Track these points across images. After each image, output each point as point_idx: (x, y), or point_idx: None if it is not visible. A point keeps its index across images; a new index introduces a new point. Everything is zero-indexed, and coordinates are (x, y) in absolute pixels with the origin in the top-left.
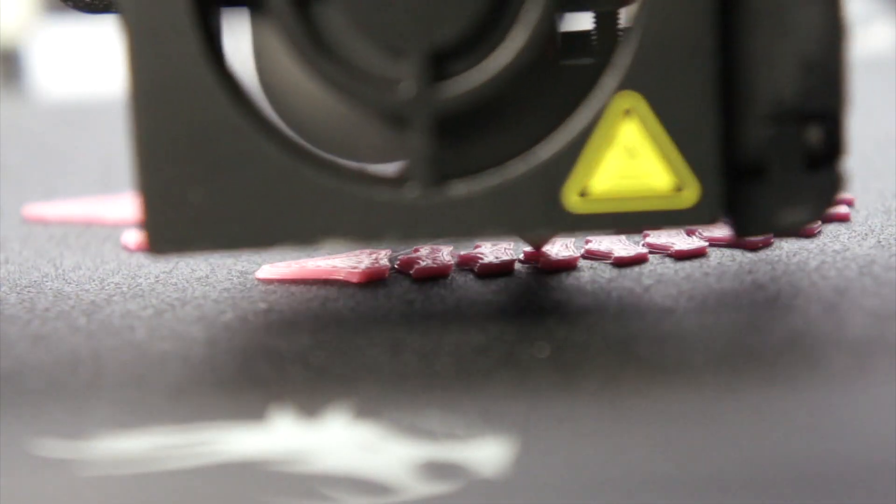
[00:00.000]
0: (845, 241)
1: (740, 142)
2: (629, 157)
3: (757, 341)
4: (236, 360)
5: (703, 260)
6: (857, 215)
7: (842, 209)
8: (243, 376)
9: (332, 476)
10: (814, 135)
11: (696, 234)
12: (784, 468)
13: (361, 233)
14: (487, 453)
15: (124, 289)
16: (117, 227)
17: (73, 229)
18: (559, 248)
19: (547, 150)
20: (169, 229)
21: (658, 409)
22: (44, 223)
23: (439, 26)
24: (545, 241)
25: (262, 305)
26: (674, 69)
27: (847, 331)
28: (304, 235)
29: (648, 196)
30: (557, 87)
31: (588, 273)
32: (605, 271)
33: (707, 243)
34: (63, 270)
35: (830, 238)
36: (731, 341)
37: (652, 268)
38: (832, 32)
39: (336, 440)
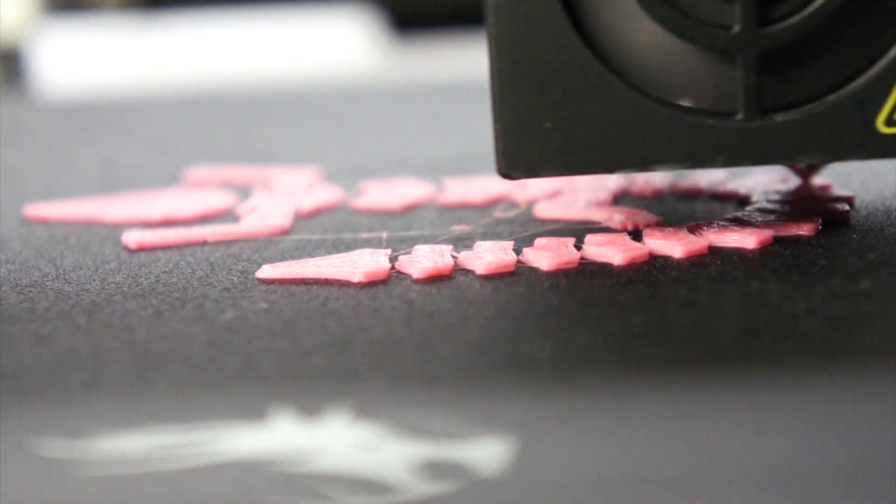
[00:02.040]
0: (846, 240)
1: None
2: None
3: (757, 341)
4: (236, 360)
5: (703, 260)
6: (857, 215)
7: (842, 209)
8: (243, 376)
9: (332, 476)
10: None
11: (698, 233)
12: (784, 468)
13: (693, 158)
14: (487, 453)
15: (124, 289)
16: (117, 227)
17: (73, 229)
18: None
19: (861, 83)
20: (523, 155)
21: (658, 409)
22: (44, 223)
23: None
24: (815, 171)
25: (262, 305)
26: None
27: (847, 331)
28: (642, 161)
29: None
30: (867, 26)
31: (588, 273)
32: (606, 271)
33: (707, 243)
34: (63, 270)
35: (830, 238)
36: (731, 341)
37: (652, 268)
38: None
39: (336, 440)
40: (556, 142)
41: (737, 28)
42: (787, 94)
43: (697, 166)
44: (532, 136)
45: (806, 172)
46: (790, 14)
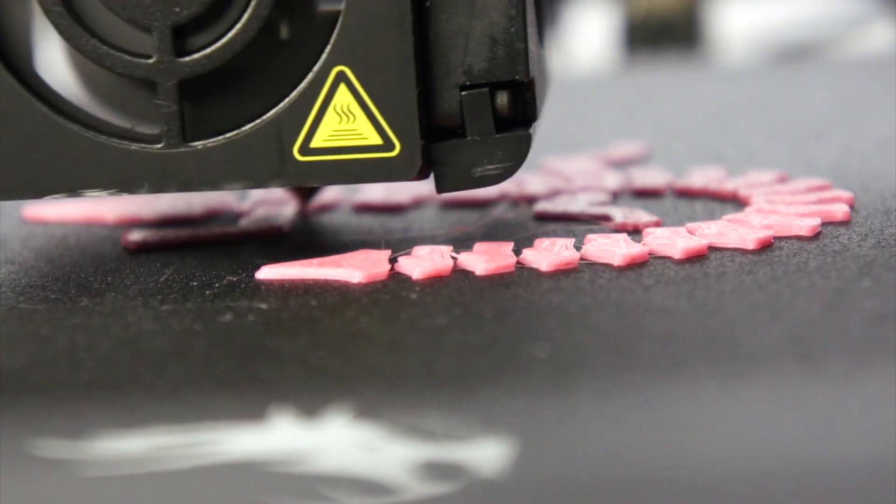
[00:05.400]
0: (845, 241)
1: (439, 106)
2: (344, 119)
3: (757, 341)
4: (236, 360)
5: (703, 260)
6: (857, 215)
7: (842, 209)
8: (243, 376)
9: (332, 476)
10: (502, 101)
11: (697, 234)
12: (783, 468)
13: (119, 184)
14: (487, 453)
15: (124, 289)
16: (117, 227)
17: (73, 229)
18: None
19: (276, 113)
20: None
21: (658, 409)
22: (44, 223)
23: (177, 7)
24: (313, 194)
25: (262, 305)
26: (375, 46)
27: (847, 331)
28: (70, 187)
29: (361, 151)
30: (285, 61)
31: (588, 273)
32: (605, 271)
33: (707, 243)
34: (63, 271)
35: (830, 238)
36: (731, 341)
37: (652, 268)
38: (516, 14)
39: (336, 440)
40: None
41: (155, 57)
42: (209, 122)
43: (125, 192)
44: None
45: (302, 198)
46: (206, 45)
